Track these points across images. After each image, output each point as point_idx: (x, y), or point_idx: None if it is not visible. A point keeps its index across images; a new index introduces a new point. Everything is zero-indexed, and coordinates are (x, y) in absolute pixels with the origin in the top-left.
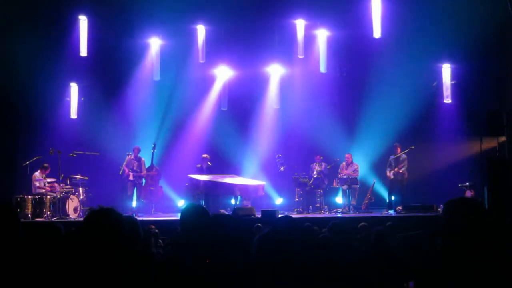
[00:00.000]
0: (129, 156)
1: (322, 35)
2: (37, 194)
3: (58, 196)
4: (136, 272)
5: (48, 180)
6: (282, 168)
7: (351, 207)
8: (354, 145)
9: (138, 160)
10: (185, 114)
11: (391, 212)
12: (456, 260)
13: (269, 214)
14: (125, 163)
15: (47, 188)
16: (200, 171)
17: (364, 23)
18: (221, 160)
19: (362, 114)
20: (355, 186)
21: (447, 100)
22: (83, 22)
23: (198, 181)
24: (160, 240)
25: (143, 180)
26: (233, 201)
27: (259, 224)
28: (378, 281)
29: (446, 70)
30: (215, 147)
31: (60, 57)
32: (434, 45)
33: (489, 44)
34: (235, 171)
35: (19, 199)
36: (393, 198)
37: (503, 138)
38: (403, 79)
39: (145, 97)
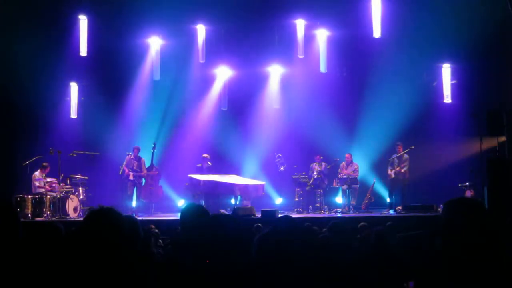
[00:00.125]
0: (129, 156)
1: (322, 35)
2: (37, 193)
3: (58, 196)
4: (136, 272)
5: (48, 179)
6: (282, 168)
7: (351, 207)
8: (354, 145)
9: (138, 160)
10: (185, 114)
11: (391, 212)
12: (456, 260)
13: (269, 214)
14: (125, 163)
15: (47, 187)
16: (200, 171)
17: (364, 23)
18: (221, 160)
19: (362, 114)
20: (355, 186)
21: (447, 100)
22: (83, 22)
23: (198, 181)
24: (160, 240)
25: (143, 180)
26: (233, 201)
27: (259, 224)
28: (378, 281)
29: (446, 70)
30: (215, 147)
31: (60, 57)
32: (434, 45)
33: (489, 44)
34: (235, 171)
35: (19, 199)
36: (393, 197)
37: (503, 138)
38: (403, 79)
39: (145, 96)
